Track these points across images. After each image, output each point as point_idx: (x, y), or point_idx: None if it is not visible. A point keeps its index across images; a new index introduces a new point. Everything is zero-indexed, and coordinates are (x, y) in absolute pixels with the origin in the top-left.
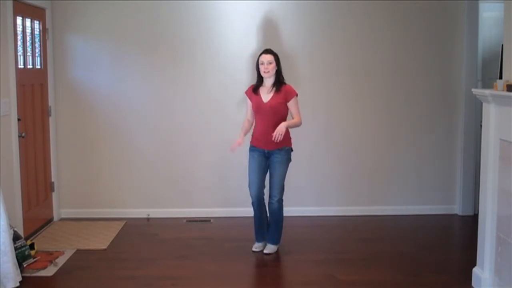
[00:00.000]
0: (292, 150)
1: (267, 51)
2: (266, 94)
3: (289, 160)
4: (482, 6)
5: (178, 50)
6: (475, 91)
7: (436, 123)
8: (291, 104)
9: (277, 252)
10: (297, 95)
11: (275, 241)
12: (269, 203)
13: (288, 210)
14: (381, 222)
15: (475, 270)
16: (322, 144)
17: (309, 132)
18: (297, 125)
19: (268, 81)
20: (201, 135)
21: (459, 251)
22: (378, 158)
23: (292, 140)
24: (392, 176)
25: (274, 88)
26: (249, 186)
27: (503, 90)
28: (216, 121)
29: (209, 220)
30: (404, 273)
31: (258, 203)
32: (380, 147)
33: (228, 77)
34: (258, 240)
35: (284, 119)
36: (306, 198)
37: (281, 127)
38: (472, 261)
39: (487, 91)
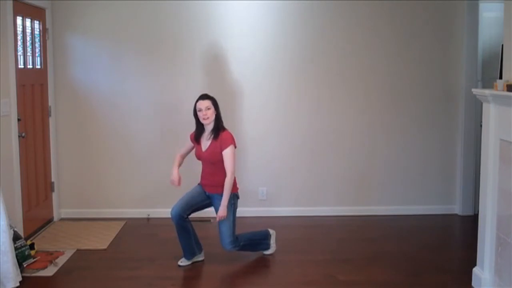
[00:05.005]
0: (238, 197)
1: (203, 97)
2: (206, 141)
3: (233, 205)
4: (482, 6)
5: (178, 50)
6: (475, 91)
7: (436, 123)
8: (225, 154)
9: (277, 252)
10: (234, 145)
11: (265, 249)
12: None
13: (288, 210)
14: (381, 222)
15: (475, 270)
16: (321, 144)
17: (309, 131)
18: (231, 184)
19: (208, 127)
20: None
21: (459, 251)
22: (378, 158)
23: (292, 139)
24: (392, 176)
25: (212, 136)
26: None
27: (503, 90)
28: None
29: (209, 220)
30: (404, 273)
31: (177, 223)
32: (380, 147)
33: (229, 77)
34: (185, 257)
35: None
36: (306, 198)
37: (221, 213)
38: (472, 261)
39: (487, 91)
